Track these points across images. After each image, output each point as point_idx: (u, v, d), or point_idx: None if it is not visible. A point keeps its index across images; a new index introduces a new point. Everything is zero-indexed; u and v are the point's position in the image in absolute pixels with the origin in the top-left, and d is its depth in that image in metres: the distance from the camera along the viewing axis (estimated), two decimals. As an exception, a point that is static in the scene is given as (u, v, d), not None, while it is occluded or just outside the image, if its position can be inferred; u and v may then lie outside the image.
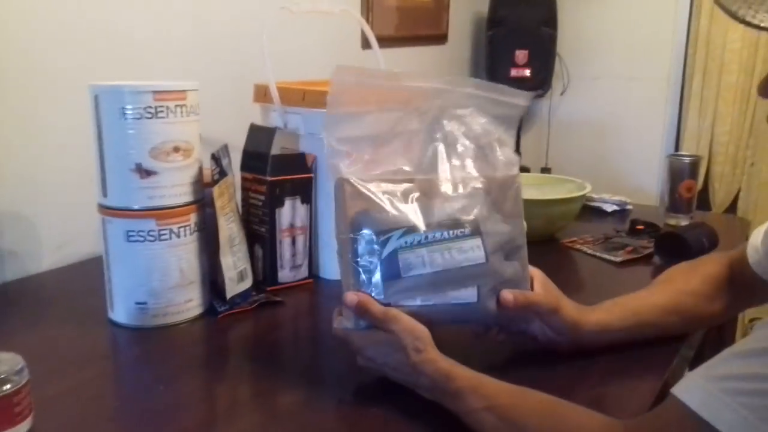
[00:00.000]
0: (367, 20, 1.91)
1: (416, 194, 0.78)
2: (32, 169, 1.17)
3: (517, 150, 2.79)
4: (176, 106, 0.92)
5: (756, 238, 0.90)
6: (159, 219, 0.92)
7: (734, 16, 0.57)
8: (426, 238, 0.76)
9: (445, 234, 0.77)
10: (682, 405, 0.56)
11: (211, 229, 0.98)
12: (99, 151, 0.92)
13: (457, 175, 0.80)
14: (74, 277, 1.16)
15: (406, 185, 0.78)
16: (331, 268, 1.12)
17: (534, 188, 1.41)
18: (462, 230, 0.77)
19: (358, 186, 0.77)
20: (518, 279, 0.81)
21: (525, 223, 0.85)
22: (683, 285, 0.93)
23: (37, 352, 0.82)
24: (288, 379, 0.83)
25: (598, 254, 1.29)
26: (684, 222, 1.45)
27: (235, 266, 1.00)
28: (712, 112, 2.55)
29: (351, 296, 0.75)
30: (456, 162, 0.80)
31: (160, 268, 0.93)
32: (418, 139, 0.81)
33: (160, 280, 0.93)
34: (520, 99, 0.83)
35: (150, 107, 0.90)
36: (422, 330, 0.74)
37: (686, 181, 1.47)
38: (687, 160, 1.50)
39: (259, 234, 1.08)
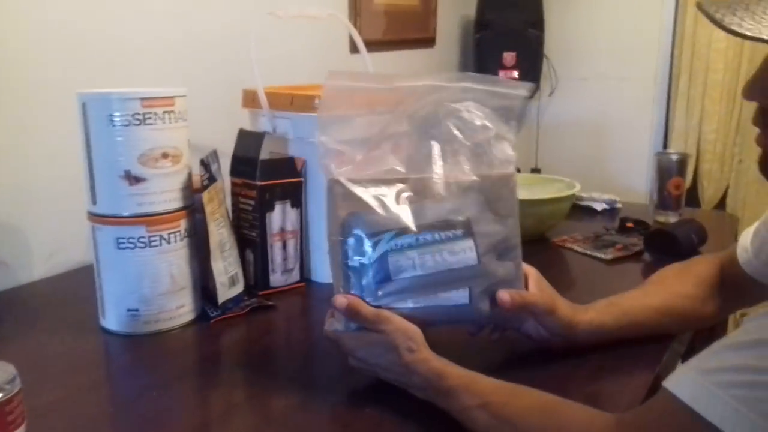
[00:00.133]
0: (355, 25, 1.91)
1: (408, 194, 0.77)
2: (22, 178, 1.17)
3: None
4: (164, 112, 0.92)
5: (745, 238, 0.91)
6: (149, 225, 0.92)
7: (719, 23, 0.57)
8: (417, 240, 0.75)
9: (437, 236, 0.76)
10: (673, 398, 0.56)
11: (202, 235, 0.98)
12: (87, 159, 0.92)
13: (451, 174, 0.79)
14: (66, 286, 1.16)
15: (398, 185, 0.77)
16: (322, 271, 1.12)
17: (524, 188, 1.41)
18: (454, 232, 0.76)
19: (349, 187, 0.76)
20: (511, 279, 0.80)
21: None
22: (676, 287, 0.93)
23: (29, 361, 0.82)
24: (281, 383, 0.83)
25: (588, 252, 1.29)
26: (673, 219, 1.46)
27: (226, 271, 1.00)
28: (699, 110, 2.57)
29: (341, 299, 0.75)
30: (450, 160, 0.79)
31: (151, 274, 0.93)
32: (407, 141, 0.80)
33: (151, 287, 0.93)
34: (520, 90, 0.82)
35: (138, 114, 0.90)
36: (414, 330, 0.75)
37: (674, 179, 1.48)
38: (675, 157, 1.51)
39: (250, 239, 1.08)
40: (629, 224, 1.42)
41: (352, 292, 0.77)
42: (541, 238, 1.37)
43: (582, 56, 2.71)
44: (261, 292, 1.07)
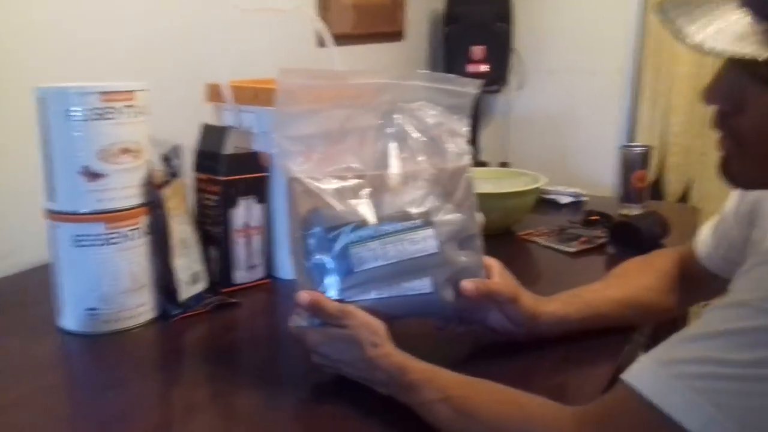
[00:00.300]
0: (323, 18, 1.89)
1: (367, 189, 0.78)
2: (-24, 176, 1.14)
3: (476, 144, 2.79)
4: (124, 106, 0.90)
5: (704, 233, 0.92)
6: (108, 222, 0.90)
7: (677, 34, 0.57)
8: (377, 231, 0.76)
9: (397, 226, 0.77)
10: (631, 390, 0.57)
11: (163, 232, 0.97)
12: (45, 155, 0.90)
13: (408, 169, 0.80)
14: (23, 286, 1.13)
15: (356, 181, 0.78)
16: (287, 267, 1.10)
17: (489, 182, 1.41)
18: (413, 222, 0.77)
19: (308, 184, 0.76)
20: (473, 268, 0.81)
21: (481, 215, 0.85)
22: (638, 280, 0.95)
23: (-16, 363, 0.80)
24: (245, 381, 0.82)
25: (553, 246, 1.30)
26: (637, 212, 1.47)
27: (189, 268, 0.99)
28: (664, 104, 2.60)
29: (303, 295, 0.75)
30: (406, 156, 0.81)
31: (111, 272, 0.92)
32: (370, 135, 0.81)
33: (111, 285, 0.92)
34: (469, 87, 0.84)
35: (97, 108, 0.88)
36: (378, 325, 0.75)
37: (638, 172, 1.50)
38: (638, 150, 1.52)
39: (213, 235, 1.07)
40: (594, 217, 1.43)
41: (315, 287, 0.76)
42: (506, 232, 1.37)
43: (550, 50, 2.73)
44: (224, 290, 1.06)
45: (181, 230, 0.98)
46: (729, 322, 0.54)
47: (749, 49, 0.54)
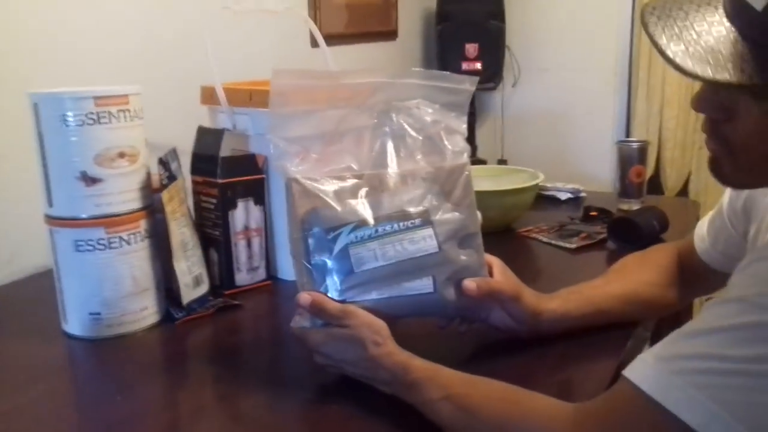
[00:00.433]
0: (315, 18, 1.90)
1: (365, 189, 0.78)
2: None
3: (473, 142, 2.79)
4: (119, 111, 0.90)
5: (702, 228, 0.92)
6: (108, 227, 0.90)
7: (653, 40, 0.56)
8: (376, 231, 0.76)
9: (396, 226, 0.77)
10: (632, 386, 0.57)
11: (163, 235, 0.97)
12: (42, 160, 0.90)
13: (406, 168, 0.80)
14: (27, 291, 1.13)
15: (355, 181, 0.78)
16: (288, 268, 1.10)
17: (489, 180, 1.42)
18: (412, 221, 0.77)
19: (307, 185, 0.76)
20: (474, 266, 0.81)
21: (480, 213, 0.85)
22: (637, 275, 0.95)
23: (-12, 369, 0.80)
24: (249, 382, 0.82)
25: (553, 242, 1.30)
26: (635, 206, 1.47)
27: (190, 271, 0.99)
28: (659, 98, 2.60)
29: (304, 296, 0.75)
30: (404, 155, 0.80)
31: (112, 277, 0.91)
32: (366, 135, 0.81)
33: (113, 289, 0.92)
34: (466, 84, 0.84)
35: (92, 113, 0.88)
36: (380, 324, 0.75)
37: (635, 167, 1.50)
38: (635, 145, 1.52)
39: (213, 237, 1.07)
40: (593, 213, 1.43)
41: (316, 288, 0.76)
42: (506, 229, 1.38)
43: (543, 47, 2.73)
44: (227, 292, 1.06)
45: (181, 233, 0.98)
46: (728, 318, 0.54)
47: (727, 74, 0.54)
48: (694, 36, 0.56)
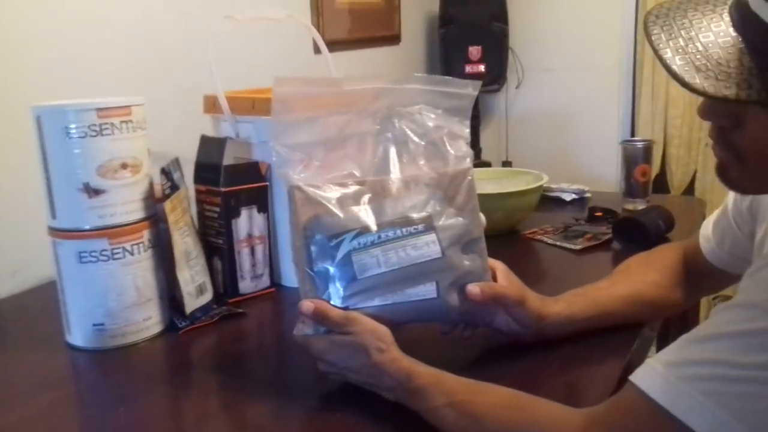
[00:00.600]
0: (318, 24, 1.90)
1: (368, 196, 0.77)
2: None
3: (477, 144, 2.79)
4: (121, 122, 0.90)
5: (707, 228, 0.92)
6: (111, 238, 0.90)
7: (658, 54, 0.55)
8: (379, 237, 0.76)
9: (398, 232, 0.76)
10: (639, 392, 0.56)
11: (166, 245, 0.97)
12: (45, 172, 0.90)
13: (408, 174, 0.80)
14: (31, 303, 1.14)
15: (357, 188, 0.78)
16: (292, 276, 1.10)
17: (493, 182, 1.41)
18: (415, 227, 0.77)
19: (309, 192, 0.76)
20: (478, 271, 0.81)
21: (483, 217, 0.85)
22: (642, 275, 0.94)
23: (-7, 381, 0.80)
24: (254, 391, 0.82)
25: (558, 243, 1.30)
26: (641, 206, 1.46)
27: (194, 280, 0.99)
28: (664, 96, 2.59)
29: (307, 304, 0.75)
30: (407, 160, 0.80)
31: (116, 287, 0.92)
32: (369, 141, 0.81)
33: (117, 300, 0.92)
34: (468, 88, 0.84)
35: (94, 125, 0.88)
36: (384, 330, 0.74)
37: (640, 166, 1.49)
38: (640, 145, 1.52)
39: (217, 246, 1.07)
40: (598, 213, 1.42)
41: (319, 295, 0.76)
42: (511, 231, 1.37)
43: (546, 48, 2.73)
44: (230, 300, 1.06)
45: (184, 242, 0.98)
46: (737, 324, 0.54)
47: (735, 90, 0.53)
48: (700, 48, 0.55)
